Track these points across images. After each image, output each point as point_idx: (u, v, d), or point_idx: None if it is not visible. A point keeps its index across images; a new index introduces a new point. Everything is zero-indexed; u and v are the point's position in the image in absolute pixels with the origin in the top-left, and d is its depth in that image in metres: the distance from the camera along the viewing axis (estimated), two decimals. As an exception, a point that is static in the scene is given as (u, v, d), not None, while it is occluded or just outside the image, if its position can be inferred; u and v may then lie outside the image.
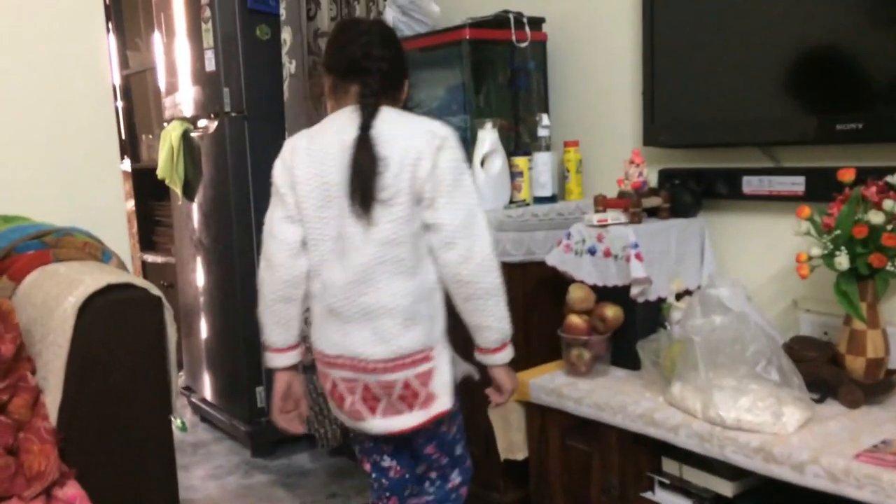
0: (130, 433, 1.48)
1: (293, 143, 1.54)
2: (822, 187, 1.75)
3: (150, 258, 3.79)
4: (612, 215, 2.00)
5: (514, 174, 2.24)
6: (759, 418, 1.51)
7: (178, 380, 3.29)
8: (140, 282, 1.49)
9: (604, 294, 1.96)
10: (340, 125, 1.48)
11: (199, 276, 3.02)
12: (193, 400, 3.19)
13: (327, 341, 1.50)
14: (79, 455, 1.42)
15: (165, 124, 3.06)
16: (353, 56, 1.49)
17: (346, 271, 1.46)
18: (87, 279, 1.45)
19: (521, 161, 2.24)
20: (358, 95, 1.48)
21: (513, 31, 2.28)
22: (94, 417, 1.44)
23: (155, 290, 1.48)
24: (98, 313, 1.42)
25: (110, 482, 1.45)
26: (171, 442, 1.55)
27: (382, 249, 1.45)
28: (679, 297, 1.95)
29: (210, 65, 2.69)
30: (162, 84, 3.17)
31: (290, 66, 2.50)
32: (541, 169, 2.26)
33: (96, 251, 1.69)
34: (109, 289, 1.43)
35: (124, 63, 4.03)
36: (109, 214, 2.34)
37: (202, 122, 2.85)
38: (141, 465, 1.50)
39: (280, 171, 1.51)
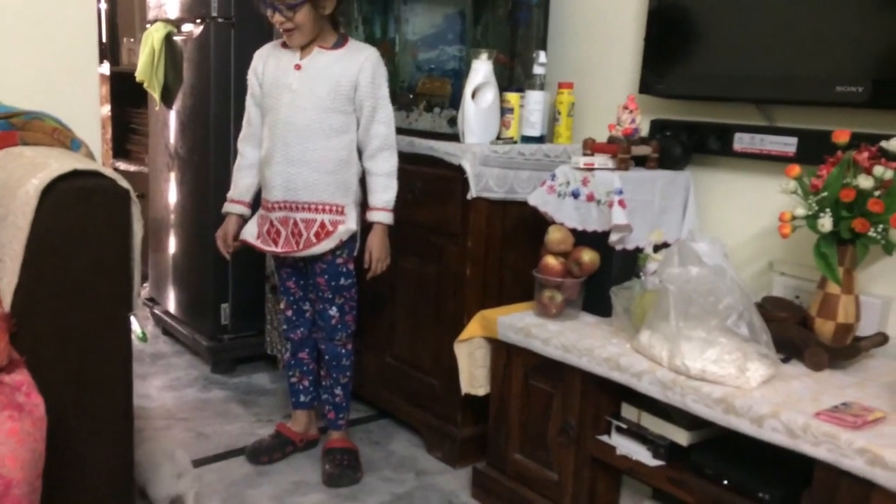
0: (87, 327, 1.43)
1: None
2: (813, 150, 1.73)
3: (122, 166, 3.69)
4: (600, 160, 1.96)
5: (505, 110, 2.19)
6: (724, 370, 1.51)
7: (143, 290, 3.25)
8: (108, 171, 1.42)
9: (582, 238, 1.94)
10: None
11: (172, 188, 2.94)
12: (156, 312, 3.14)
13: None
14: (31, 343, 1.37)
15: (148, 25, 2.94)
16: None
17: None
18: (52, 163, 1.38)
19: (512, 97, 2.19)
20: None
21: (518, -40, 2.21)
22: (50, 307, 1.39)
23: (123, 182, 1.42)
24: (62, 198, 1.35)
25: (62, 374, 1.41)
26: (128, 341, 1.51)
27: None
28: (657, 248, 1.94)
29: (200, -34, 2.58)
30: (148, -17, 3.04)
31: (283, -25, 2.40)
32: (532, 107, 2.21)
33: (65, 138, 1.61)
34: (76, 175, 1.36)
35: (110, -39, 3.86)
36: (83, 117, 2.26)
37: (187, 27, 2.74)
38: (96, 361, 1.45)
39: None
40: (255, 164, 2.09)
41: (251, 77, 2.07)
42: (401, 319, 2.33)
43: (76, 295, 1.41)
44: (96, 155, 2.07)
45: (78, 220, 1.38)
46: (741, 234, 1.98)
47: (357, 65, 1.95)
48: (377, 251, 2.02)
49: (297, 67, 1.96)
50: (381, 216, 2.01)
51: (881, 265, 1.72)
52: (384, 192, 2.00)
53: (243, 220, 2.12)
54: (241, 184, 2.11)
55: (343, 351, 2.13)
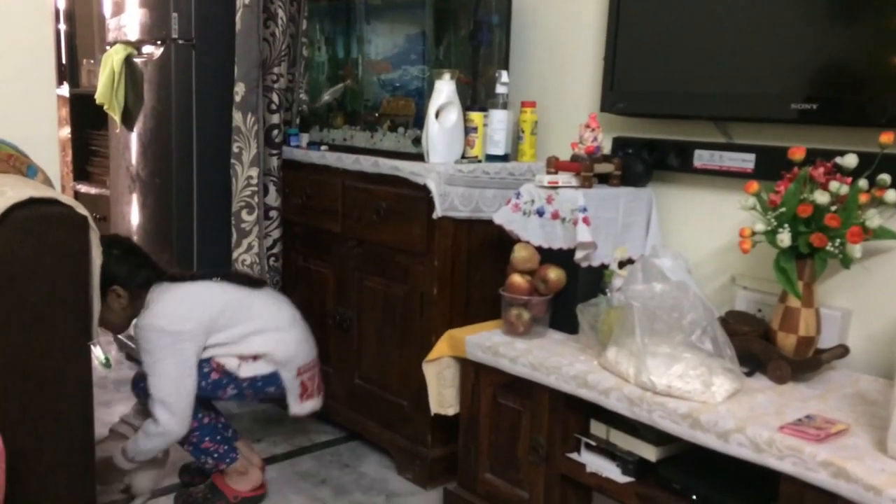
0: (44, 358, 1.40)
1: None
2: (771, 166, 1.77)
3: (83, 188, 3.63)
4: (564, 178, 1.98)
5: (469, 129, 2.20)
6: (690, 386, 1.52)
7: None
8: (66, 199, 1.40)
9: (548, 256, 1.95)
10: None
11: (134, 210, 2.90)
12: (120, 336, 3.08)
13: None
14: (-12, 377, 1.34)
15: (108, 47, 2.90)
16: None
17: None
18: (8, 191, 1.36)
19: (476, 116, 2.20)
20: None
21: (479, -19, 2.23)
22: (6, 337, 1.36)
23: (81, 209, 1.39)
24: (17, 227, 1.33)
25: (18, 407, 1.37)
26: (89, 371, 1.48)
27: None
28: (622, 265, 1.95)
29: (160, -13, 2.56)
30: (107, 4, 3.00)
31: (245, -3, 2.40)
32: (496, 126, 2.23)
33: (21, 164, 1.59)
34: (31, 203, 1.34)
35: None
36: (41, 140, 2.23)
37: (147, 48, 2.71)
38: (54, 393, 1.42)
39: None
40: None
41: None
42: (368, 340, 2.31)
43: (33, 325, 1.38)
44: (55, 179, 2.03)
45: (34, 248, 1.36)
46: (703, 249, 2.01)
47: None
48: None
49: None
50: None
51: (840, 278, 1.75)
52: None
53: None
54: None
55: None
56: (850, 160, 1.57)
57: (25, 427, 1.40)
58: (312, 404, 2.07)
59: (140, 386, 2.03)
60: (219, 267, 2.54)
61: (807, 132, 1.78)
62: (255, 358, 1.97)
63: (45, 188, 1.47)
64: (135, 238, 2.91)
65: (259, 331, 1.97)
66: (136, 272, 1.94)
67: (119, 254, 1.93)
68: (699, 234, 2.03)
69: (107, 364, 2.99)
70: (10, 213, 1.32)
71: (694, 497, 1.55)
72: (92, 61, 3.73)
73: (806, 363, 1.63)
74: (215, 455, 2.00)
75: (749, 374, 1.64)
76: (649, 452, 1.64)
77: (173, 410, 1.87)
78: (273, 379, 1.99)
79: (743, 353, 1.63)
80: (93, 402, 1.48)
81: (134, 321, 1.92)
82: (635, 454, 1.66)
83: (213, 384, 1.94)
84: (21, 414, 1.39)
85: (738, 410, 1.46)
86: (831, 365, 1.70)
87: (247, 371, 1.96)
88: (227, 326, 1.94)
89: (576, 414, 1.76)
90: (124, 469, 1.98)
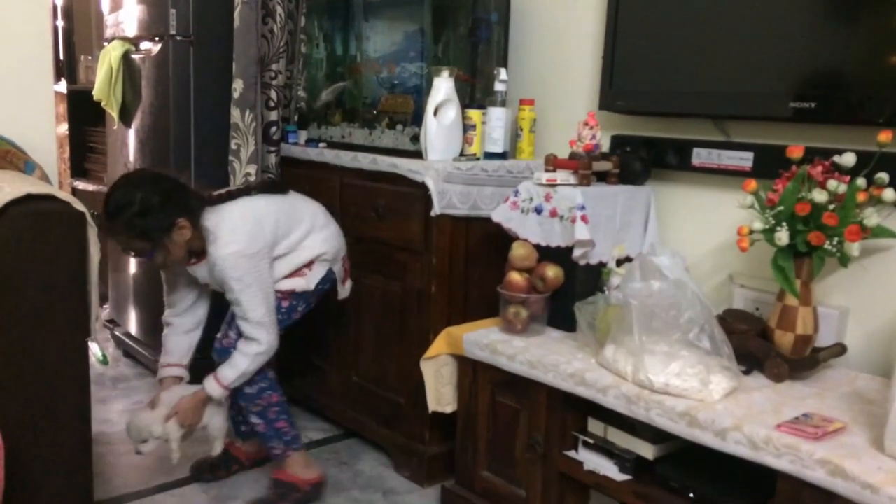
0: (43, 354, 1.40)
1: None
2: (769, 164, 1.76)
3: (80, 185, 3.62)
4: (562, 175, 1.98)
5: (467, 126, 2.20)
6: (687, 384, 1.52)
7: (103, 312, 3.18)
8: (63, 195, 1.40)
9: (546, 254, 1.95)
10: None
11: (132, 207, 2.89)
12: (117, 334, 3.08)
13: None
14: (-15, 373, 1.34)
15: (106, 43, 2.90)
16: None
17: None
18: (5, 187, 1.35)
19: (474, 114, 2.20)
20: None
21: (478, -21, 2.22)
22: (4, 335, 1.36)
23: (79, 205, 1.39)
24: (15, 223, 1.33)
25: (16, 403, 1.37)
26: (86, 367, 1.48)
27: None
28: (620, 263, 1.95)
29: (158, -17, 2.55)
30: (105, 1, 2.99)
31: (243, -7, 2.39)
32: (494, 124, 2.23)
33: (19, 161, 1.58)
34: (29, 199, 1.34)
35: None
36: (39, 137, 2.21)
37: (145, 45, 2.71)
38: (52, 389, 1.42)
39: None
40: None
41: None
42: (366, 338, 2.31)
43: (30, 321, 1.38)
44: (52, 176, 2.03)
45: (32, 244, 1.36)
46: (701, 248, 2.01)
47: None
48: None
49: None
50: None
51: (837, 277, 1.75)
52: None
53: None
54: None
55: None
56: (849, 159, 1.57)
57: (23, 424, 1.40)
58: (350, 284, 2.21)
59: (227, 335, 1.98)
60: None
61: (805, 131, 1.78)
62: (310, 265, 2.01)
63: (43, 184, 1.47)
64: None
65: (308, 233, 2.02)
66: (193, 200, 1.88)
67: (172, 186, 1.87)
68: (697, 232, 2.03)
69: (104, 361, 2.98)
70: (7, 209, 1.32)
71: (691, 495, 1.55)
72: (90, 58, 3.72)
73: (803, 362, 1.63)
74: (287, 438, 2.00)
75: (747, 373, 1.65)
76: (647, 450, 1.64)
77: (269, 328, 1.89)
78: (329, 276, 2.08)
79: (741, 351, 1.63)
80: (90, 398, 1.47)
81: (210, 253, 1.86)
82: (633, 452, 1.66)
83: (287, 311, 2.00)
84: (19, 411, 1.38)
85: (736, 409, 1.46)
86: (829, 363, 1.70)
87: (312, 280, 2.02)
88: (285, 235, 1.96)
89: (573, 412, 1.76)
90: (219, 399, 1.93)
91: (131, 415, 1.99)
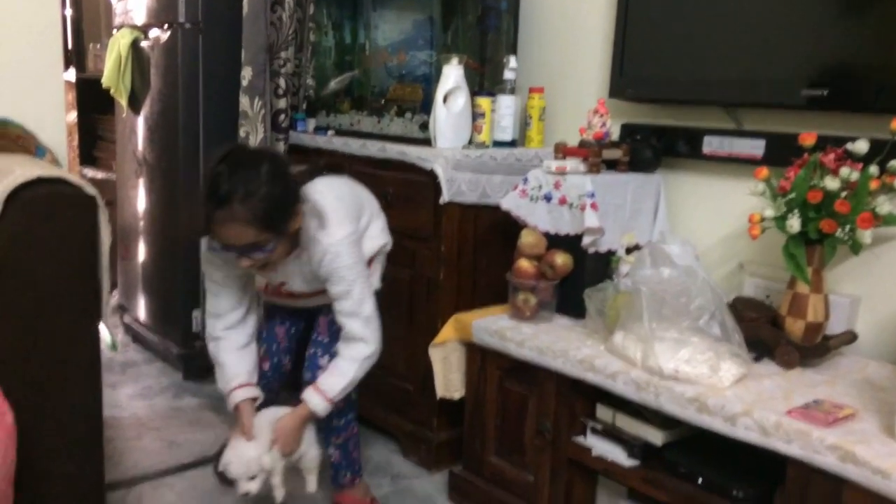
0: (54, 338, 1.41)
1: None
2: (781, 152, 1.75)
3: (89, 173, 3.64)
4: (571, 164, 1.98)
5: (476, 114, 2.19)
6: (697, 370, 1.52)
7: (112, 298, 3.19)
8: (74, 178, 1.40)
9: (555, 242, 1.95)
10: None
11: (140, 195, 2.91)
12: (126, 320, 3.10)
13: None
14: (-4, 356, 1.35)
15: (114, 31, 2.90)
16: None
17: None
18: (17, 170, 1.36)
19: (484, 102, 2.20)
20: None
21: (487, -35, 2.21)
22: (16, 317, 1.36)
23: (90, 189, 1.40)
24: (26, 206, 1.33)
25: (28, 386, 1.38)
26: (97, 351, 1.49)
27: None
28: (629, 251, 1.95)
29: (167, -30, 2.55)
30: (114, -12, 3.00)
31: (252, -20, 2.39)
32: (503, 112, 2.22)
33: (30, 145, 1.59)
34: (40, 182, 1.34)
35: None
36: (49, 123, 2.21)
37: (154, 32, 2.71)
38: (63, 372, 1.43)
39: None
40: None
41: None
42: (375, 325, 2.31)
43: (42, 304, 1.38)
44: (62, 162, 2.03)
45: (43, 227, 1.36)
46: (711, 236, 2.01)
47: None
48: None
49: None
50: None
51: (849, 264, 1.75)
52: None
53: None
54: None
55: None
56: (861, 146, 1.57)
57: (35, 406, 1.40)
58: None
59: (329, 335, 1.76)
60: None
61: (817, 118, 1.77)
62: (370, 262, 1.80)
63: (54, 168, 1.47)
64: (141, 223, 2.92)
65: (371, 220, 1.82)
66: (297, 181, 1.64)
67: (284, 163, 1.61)
68: (707, 221, 2.02)
69: (113, 347, 2.99)
70: (18, 192, 1.32)
71: (700, 481, 1.55)
72: (98, 46, 3.72)
73: (814, 349, 1.63)
74: (356, 468, 1.83)
75: (757, 360, 1.64)
76: (655, 437, 1.64)
77: (378, 326, 1.70)
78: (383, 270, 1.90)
79: (751, 338, 1.62)
80: (101, 381, 1.48)
81: (318, 241, 1.61)
82: (641, 438, 1.66)
83: None
84: (30, 394, 1.39)
85: (746, 395, 1.46)
86: (839, 351, 1.70)
87: (375, 279, 1.84)
88: (359, 218, 1.77)
89: (582, 398, 1.76)
90: (324, 414, 1.68)
91: (227, 451, 1.68)
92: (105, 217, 1.43)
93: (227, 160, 1.51)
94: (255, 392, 1.75)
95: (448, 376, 2.01)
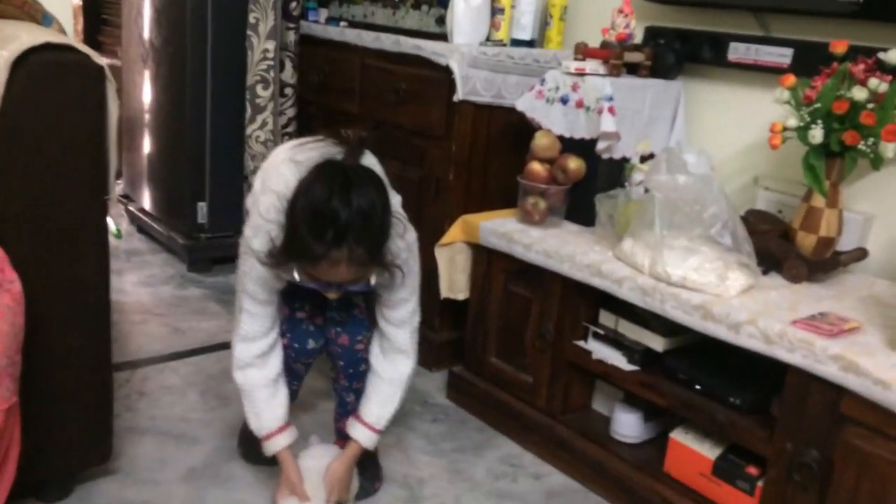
0: (62, 209, 1.39)
1: None
2: (808, 62, 1.70)
3: (94, 59, 3.55)
4: (591, 65, 1.92)
5: (496, 10, 2.12)
6: (704, 278, 1.51)
7: (117, 186, 3.17)
8: (82, 47, 1.35)
9: (569, 146, 1.92)
10: None
11: (146, 82, 2.84)
12: (131, 209, 3.09)
13: None
14: (3, 228, 1.33)
15: None
16: None
17: None
18: (23, 35, 1.31)
19: (504, -3, 2.12)
20: None
21: None
22: (23, 186, 1.34)
23: (99, 59, 1.35)
24: (33, 73, 1.29)
25: (36, 257, 1.37)
26: (104, 224, 1.47)
27: None
28: (643, 159, 1.92)
29: None
30: None
31: None
32: (524, 9, 2.14)
33: (36, 12, 1.53)
34: (48, 48, 1.30)
35: None
36: (52, 4, 2.15)
37: None
38: (71, 244, 1.42)
39: None
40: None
41: None
42: (381, 223, 2.30)
43: (49, 172, 1.36)
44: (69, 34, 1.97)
45: (51, 95, 1.32)
46: (728, 148, 1.97)
47: None
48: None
49: None
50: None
51: (866, 182, 1.72)
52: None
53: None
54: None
55: (362, 355, 1.58)
56: (894, 56, 1.51)
57: (43, 280, 1.40)
58: None
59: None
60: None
61: (848, 27, 1.70)
62: None
63: (62, 36, 1.42)
64: (147, 111, 2.87)
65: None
66: None
67: (385, 184, 1.39)
68: (725, 132, 1.98)
69: (118, 235, 3.00)
70: (25, 57, 1.28)
71: (698, 387, 1.57)
72: (104, -76, 3.57)
73: (823, 263, 1.62)
74: (381, 476, 1.71)
75: (765, 273, 1.64)
76: (657, 343, 1.66)
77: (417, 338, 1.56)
78: None
79: (761, 251, 1.61)
80: (109, 255, 1.47)
81: (399, 247, 1.40)
82: (642, 344, 1.67)
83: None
84: (38, 266, 1.38)
85: (752, 304, 1.46)
86: (848, 269, 1.69)
87: None
88: None
89: (586, 303, 1.77)
90: (373, 448, 1.58)
91: None
92: (113, 89, 1.39)
93: (337, 190, 1.25)
94: (293, 435, 1.54)
95: (453, 277, 2.01)
